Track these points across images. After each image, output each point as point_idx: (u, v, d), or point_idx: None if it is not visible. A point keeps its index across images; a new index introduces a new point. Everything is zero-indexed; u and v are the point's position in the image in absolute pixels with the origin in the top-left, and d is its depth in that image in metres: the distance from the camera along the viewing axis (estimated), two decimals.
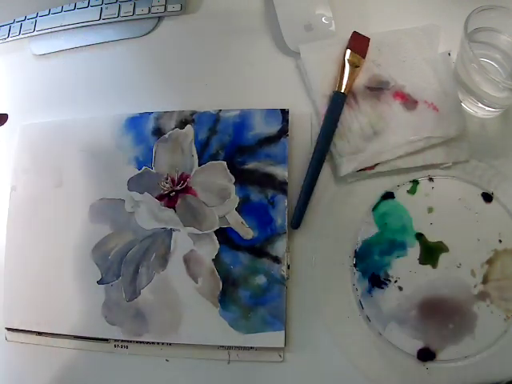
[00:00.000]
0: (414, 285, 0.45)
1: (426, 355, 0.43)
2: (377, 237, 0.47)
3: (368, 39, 0.52)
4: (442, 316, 0.44)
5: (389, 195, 0.48)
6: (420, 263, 0.45)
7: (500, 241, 0.45)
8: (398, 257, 0.46)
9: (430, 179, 0.48)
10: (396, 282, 0.46)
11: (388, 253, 0.46)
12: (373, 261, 0.47)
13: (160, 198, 0.51)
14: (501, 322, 0.43)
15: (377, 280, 0.46)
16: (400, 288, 0.45)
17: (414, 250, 0.46)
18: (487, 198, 0.46)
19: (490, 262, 0.44)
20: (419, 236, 0.46)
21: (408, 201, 0.48)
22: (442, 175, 0.48)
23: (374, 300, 0.45)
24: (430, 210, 0.47)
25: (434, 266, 0.45)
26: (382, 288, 0.46)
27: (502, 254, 0.44)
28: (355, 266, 0.47)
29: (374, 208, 0.48)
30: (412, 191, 0.48)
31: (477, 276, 0.44)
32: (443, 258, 0.45)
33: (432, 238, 0.46)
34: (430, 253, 0.46)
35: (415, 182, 0.48)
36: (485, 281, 0.44)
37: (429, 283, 0.45)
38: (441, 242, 0.46)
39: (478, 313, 0.43)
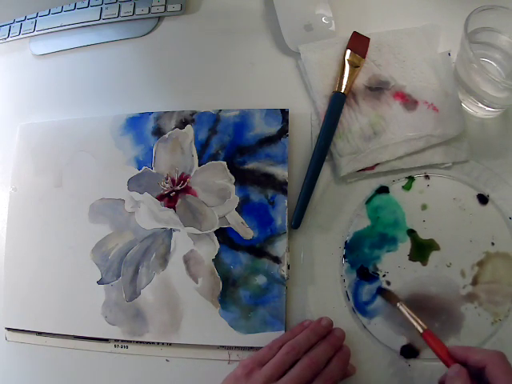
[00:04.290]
0: (402, 280, 0.45)
1: (409, 352, 0.43)
2: (368, 230, 0.47)
3: (368, 39, 0.52)
4: (428, 314, 0.43)
5: (383, 189, 0.48)
6: (410, 259, 0.46)
7: (493, 243, 0.45)
8: (388, 251, 0.46)
9: (426, 177, 0.48)
10: (384, 276, 0.46)
11: (378, 246, 0.46)
12: (362, 253, 0.47)
13: (160, 198, 0.51)
14: (488, 325, 0.43)
15: (365, 273, 0.46)
16: (388, 282, 0.45)
17: (405, 246, 0.46)
18: (483, 199, 0.46)
19: (480, 263, 0.44)
20: (411, 232, 0.46)
21: (402, 196, 0.48)
22: (439, 174, 0.48)
23: (361, 292, 0.46)
24: (424, 207, 0.47)
25: (424, 263, 0.45)
26: (370, 281, 0.46)
27: (494, 257, 0.44)
28: (345, 257, 0.47)
29: (368, 201, 0.48)
30: (407, 187, 0.48)
31: (466, 277, 0.44)
32: (434, 256, 0.45)
33: (424, 235, 0.46)
34: (421, 250, 0.46)
35: (411, 179, 0.48)
36: (474, 282, 0.44)
37: (417, 280, 0.45)
38: (432, 240, 0.46)
39: (466, 314, 0.43)
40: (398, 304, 0.43)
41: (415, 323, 0.41)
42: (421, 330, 0.40)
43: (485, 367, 0.34)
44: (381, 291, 0.45)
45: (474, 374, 0.35)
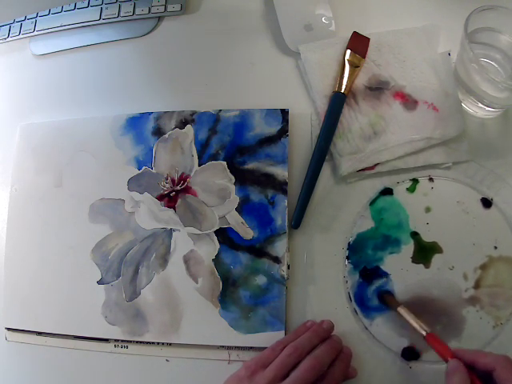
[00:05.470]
0: (404, 283, 0.45)
1: (410, 354, 0.43)
2: (372, 231, 0.47)
3: (368, 39, 0.52)
4: (429, 316, 0.43)
5: (387, 191, 0.48)
6: (413, 262, 0.46)
7: (495, 247, 0.45)
8: (391, 253, 0.46)
9: (431, 179, 0.48)
10: (387, 277, 0.46)
11: (381, 248, 0.46)
12: (365, 254, 0.47)
13: (160, 198, 0.51)
14: (489, 328, 0.43)
15: (368, 274, 0.46)
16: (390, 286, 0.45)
17: (408, 248, 0.46)
18: (486, 203, 0.46)
19: (483, 267, 0.44)
20: (414, 234, 0.46)
21: (406, 198, 0.48)
22: (443, 176, 0.48)
23: (363, 293, 0.46)
24: (428, 209, 0.47)
25: (427, 265, 0.45)
26: (372, 282, 0.46)
27: (497, 261, 0.44)
28: (348, 258, 0.47)
29: (372, 203, 0.48)
30: (411, 189, 0.48)
31: (469, 280, 0.44)
32: (436, 259, 0.45)
33: (427, 237, 0.46)
34: (424, 252, 0.46)
35: (415, 181, 0.48)
36: (476, 286, 0.44)
37: (420, 282, 0.45)
38: (435, 243, 0.46)
39: (467, 317, 0.43)
40: (399, 308, 0.43)
41: (418, 327, 0.41)
42: (424, 334, 0.40)
43: (493, 370, 0.34)
44: (381, 295, 0.45)
45: (481, 378, 0.35)
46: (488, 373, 0.34)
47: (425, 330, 0.40)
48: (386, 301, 0.45)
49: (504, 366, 0.34)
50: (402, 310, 0.42)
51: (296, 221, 0.48)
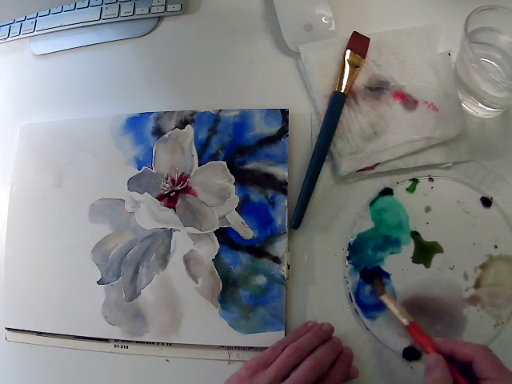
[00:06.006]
0: (405, 282, 0.45)
1: (411, 354, 0.43)
2: (372, 231, 0.47)
3: (368, 39, 0.52)
4: (430, 316, 0.43)
5: (387, 191, 0.48)
6: (413, 262, 0.45)
7: (496, 246, 0.45)
8: (391, 253, 0.46)
9: (430, 179, 0.48)
10: (387, 278, 0.45)
11: (382, 248, 0.46)
12: (366, 255, 0.47)
13: (160, 198, 0.51)
14: (490, 328, 0.43)
15: (368, 274, 0.46)
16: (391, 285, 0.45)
17: (408, 248, 0.46)
18: (486, 202, 0.46)
19: (483, 266, 0.44)
20: (414, 234, 0.46)
21: (406, 198, 0.48)
22: (443, 176, 0.48)
23: (364, 294, 0.46)
24: (428, 209, 0.47)
25: (427, 265, 0.45)
26: (373, 283, 0.46)
27: (497, 260, 0.44)
28: (348, 258, 0.47)
29: (372, 203, 0.48)
30: (411, 189, 0.48)
31: (469, 279, 0.44)
32: (437, 259, 0.45)
33: (427, 237, 0.46)
34: (424, 252, 0.46)
35: (415, 181, 0.48)
36: (477, 285, 0.44)
37: (420, 282, 0.45)
38: (436, 243, 0.46)
39: (468, 317, 0.43)
40: (383, 296, 0.43)
41: (399, 316, 0.41)
42: (406, 323, 0.40)
43: (472, 361, 0.34)
44: (372, 279, 0.45)
45: (459, 367, 0.35)
46: (467, 363, 0.34)
47: (407, 320, 0.40)
48: (374, 285, 0.45)
49: (482, 357, 0.34)
50: (385, 298, 0.42)
51: (296, 221, 0.48)
